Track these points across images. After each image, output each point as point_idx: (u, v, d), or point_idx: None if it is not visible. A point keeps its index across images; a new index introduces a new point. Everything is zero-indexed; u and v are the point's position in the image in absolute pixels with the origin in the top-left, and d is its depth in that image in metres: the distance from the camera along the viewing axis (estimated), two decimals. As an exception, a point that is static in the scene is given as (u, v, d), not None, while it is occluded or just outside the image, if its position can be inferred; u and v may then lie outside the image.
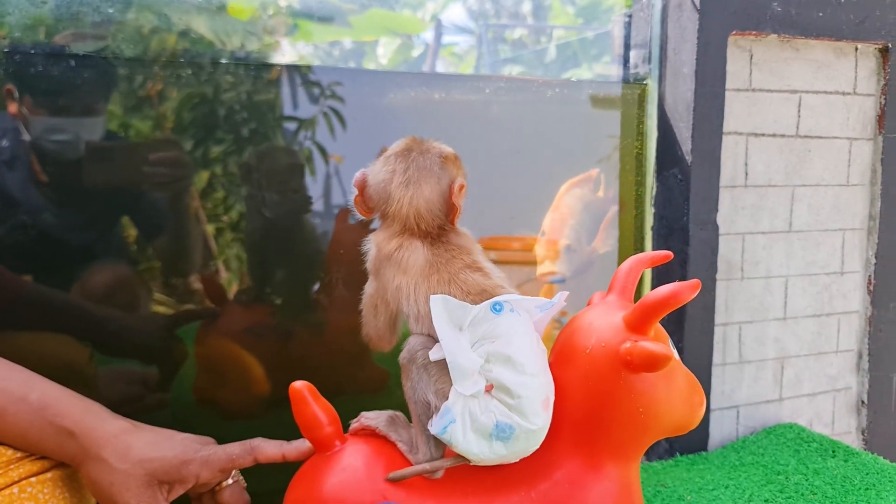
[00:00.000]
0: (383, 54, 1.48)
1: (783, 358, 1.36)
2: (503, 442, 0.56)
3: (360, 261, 1.15)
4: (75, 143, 0.89)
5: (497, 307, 0.58)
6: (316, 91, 1.07)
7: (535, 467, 0.62)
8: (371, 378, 1.20)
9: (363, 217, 0.71)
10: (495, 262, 1.29)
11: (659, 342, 0.59)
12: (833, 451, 1.19)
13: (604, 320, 0.61)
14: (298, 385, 0.62)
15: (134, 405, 0.99)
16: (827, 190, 1.35)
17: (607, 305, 0.63)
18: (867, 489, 1.03)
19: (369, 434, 0.64)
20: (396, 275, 0.63)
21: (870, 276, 1.42)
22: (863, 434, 1.49)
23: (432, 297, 0.59)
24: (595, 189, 1.24)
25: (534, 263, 1.26)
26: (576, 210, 1.22)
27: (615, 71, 1.32)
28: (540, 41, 1.97)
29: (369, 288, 0.68)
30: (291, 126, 1.07)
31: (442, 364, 0.57)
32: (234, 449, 0.63)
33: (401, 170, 0.66)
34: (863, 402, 1.47)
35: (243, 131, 1.04)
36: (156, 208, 1.00)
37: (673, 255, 0.66)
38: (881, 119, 1.37)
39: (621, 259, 1.28)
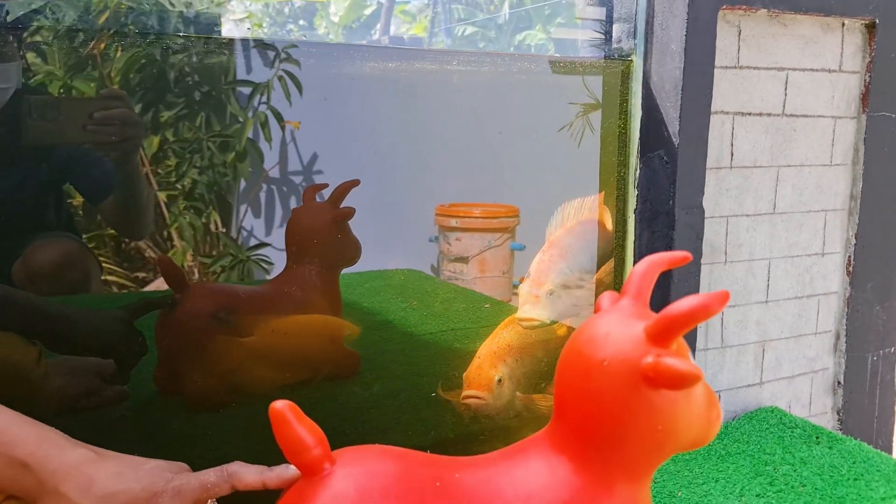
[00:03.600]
0: (335, 12, 1.41)
1: (764, 341, 1.34)
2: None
3: (331, 241, 1.10)
4: None
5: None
6: (271, 54, 1.01)
7: (541, 488, 0.57)
8: (343, 363, 1.15)
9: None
10: (456, 229, 1.25)
11: (683, 357, 0.54)
12: (816, 438, 1.17)
13: (622, 331, 0.56)
14: (279, 405, 0.55)
15: (92, 398, 0.92)
16: (811, 170, 1.32)
17: (623, 313, 0.58)
18: (856, 479, 1.02)
19: (361, 454, 0.58)
20: None
21: (849, 256, 1.40)
22: (838, 414, 1.48)
23: None
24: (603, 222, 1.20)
25: (494, 230, 1.22)
26: (571, 252, 1.16)
27: (579, 35, 1.26)
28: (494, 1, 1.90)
29: None
30: (245, 90, 1.01)
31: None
32: (210, 477, 0.57)
33: None
34: (839, 382, 1.46)
35: (195, 95, 0.98)
36: (102, 170, 0.93)
37: (692, 257, 0.61)
38: (865, 97, 1.34)
39: (600, 247, 1.24)
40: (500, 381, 1.11)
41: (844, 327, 1.43)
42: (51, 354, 0.89)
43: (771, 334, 1.35)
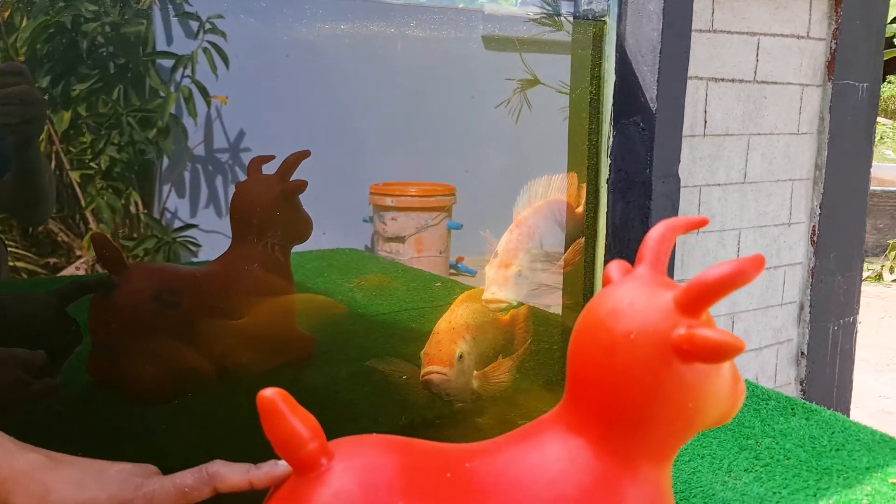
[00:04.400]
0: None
1: (734, 313, 1.32)
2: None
3: (280, 217, 1.03)
4: None
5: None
6: (194, 24, 0.94)
7: (561, 474, 0.52)
8: (296, 346, 1.08)
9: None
10: (391, 208, 1.20)
11: (716, 328, 0.49)
12: (792, 409, 1.16)
13: (648, 301, 0.51)
14: (269, 394, 0.48)
15: (18, 392, 0.82)
16: (779, 139, 1.30)
17: (643, 282, 0.53)
18: (838, 450, 1.00)
19: (359, 445, 0.52)
20: None
21: (814, 226, 1.40)
22: (801, 384, 1.48)
23: None
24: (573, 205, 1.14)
25: (431, 209, 1.17)
26: (539, 233, 1.11)
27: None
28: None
29: None
30: (167, 62, 0.93)
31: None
32: (187, 479, 0.49)
33: None
34: (802, 353, 1.46)
35: (110, 67, 0.90)
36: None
37: (709, 221, 0.56)
38: (830, 65, 1.33)
39: (568, 227, 1.20)
40: (460, 356, 1.06)
41: (808, 297, 1.43)
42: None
43: (740, 306, 1.33)
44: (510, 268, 1.08)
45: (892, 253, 4.34)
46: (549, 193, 1.16)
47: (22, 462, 0.46)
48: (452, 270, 1.20)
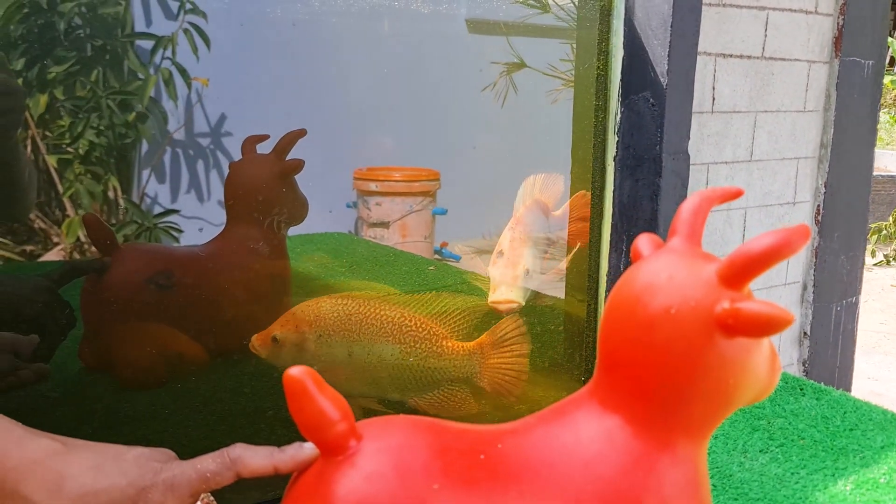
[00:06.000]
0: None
1: (752, 292, 1.31)
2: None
3: (277, 197, 1.01)
4: None
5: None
6: (174, 5, 0.91)
7: (598, 455, 0.50)
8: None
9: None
10: (376, 193, 1.18)
11: (761, 301, 0.47)
12: (801, 389, 1.14)
13: (688, 274, 0.49)
14: (297, 373, 0.46)
15: (6, 379, 0.79)
16: (786, 116, 1.29)
17: (680, 255, 0.51)
18: (851, 430, 0.99)
19: (389, 427, 0.50)
20: None
21: (818, 205, 1.39)
22: (804, 365, 1.48)
23: None
24: (557, 206, 1.12)
25: (416, 194, 1.15)
26: (533, 231, 1.08)
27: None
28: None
29: None
30: (147, 44, 0.91)
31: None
32: (208, 465, 0.46)
33: None
34: (805, 333, 1.45)
35: (88, 49, 0.88)
36: None
37: (743, 192, 0.54)
38: (838, 41, 1.31)
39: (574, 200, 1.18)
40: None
41: (812, 278, 1.42)
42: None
43: (746, 286, 1.32)
44: (518, 266, 1.06)
45: (874, 237, 4.36)
46: (536, 192, 1.14)
47: (33, 449, 0.44)
48: (437, 256, 1.18)
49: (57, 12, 0.84)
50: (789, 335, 1.44)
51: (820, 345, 1.46)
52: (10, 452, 0.43)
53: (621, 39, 1.11)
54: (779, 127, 1.28)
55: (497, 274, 1.05)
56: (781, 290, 1.39)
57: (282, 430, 0.91)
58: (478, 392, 0.98)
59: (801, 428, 0.99)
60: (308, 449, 0.48)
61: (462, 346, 0.98)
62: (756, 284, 1.32)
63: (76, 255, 0.98)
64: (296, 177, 1.01)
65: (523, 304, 1.04)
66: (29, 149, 0.85)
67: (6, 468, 0.43)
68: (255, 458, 0.48)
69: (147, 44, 0.91)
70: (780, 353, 1.44)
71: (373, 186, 1.16)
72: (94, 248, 0.89)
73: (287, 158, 0.95)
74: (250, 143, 0.98)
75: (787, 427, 1.00)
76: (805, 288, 1.43)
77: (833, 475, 0.87)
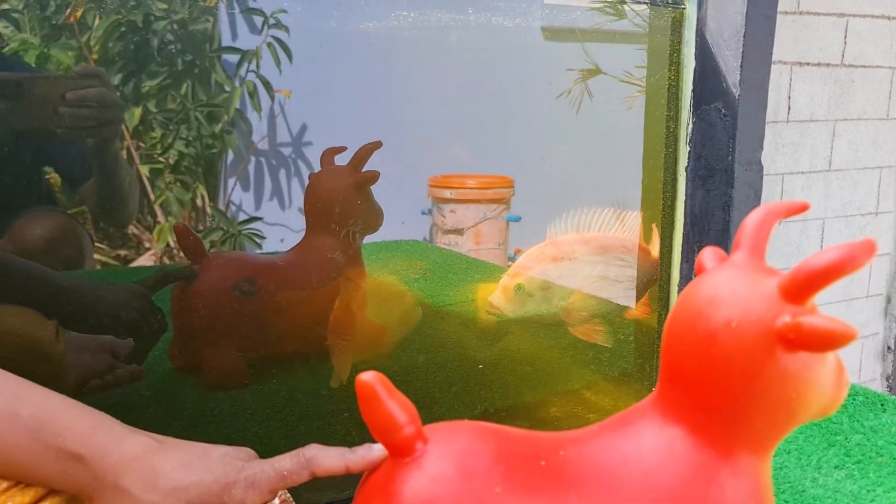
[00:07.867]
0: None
1: (816, 306, 1.28)
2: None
3: (354, 208, 1.04)
4: None
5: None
6: (258, 20, 0.95)
7: (658, 466, 0.51)
8: (367, 336, 1.09)
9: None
10: (450, 200, 1.19)
11: (824, 315, 0.48)
12: (882, 405, 1.11)
13: (750, 288, 0.50)
14: (368, 378, 0.49)
15: (103, 379, 0.85)
16: (867, 124, 1.25)
17: (743, 269, 0.52)
18: (934, 448, 0.96)
19: (454, 431, 0.52)
20: None
21: (903, 216, 1.34)
22: (888, 380, 1.43)
23: None
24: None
25: (490, 202, 1.16)
26: (574, 260, 1.07)
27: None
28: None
29: None
30: (232, 58, 0.95)
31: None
32: (286, 463, 0.50)
33: None
34: (889, 347, 1.41)
35: (178, 63, 0.92)
36: (79, 151, 0.85)
37: (810, 206, 0.54)
38: (923, 46, 1.27)
39: (645, 213, 1.17)
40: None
41: (896, 290, 1.37)
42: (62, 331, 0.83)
43: (823, 298, 1.29)
44: (515, 278, 1.05)
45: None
46: (606, 228, 1.12)
47: (131, 445, 0.48)
48: (510, 263, 1.19)
49: (151, 30, 0.89)
50: (872, 349, 1.40)
51: (905, 360, 1.41)
52: (112, 449, 0.47)
53: (693, 50, 1.11)
54: (860, 135, 1.24)
55: (502, 279, 1.05)
56: (863, 302, 1.35)
57: (356, 432, 0.94)
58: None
59: (881, 445, 0.97)
60: (377, 450, 0.51)
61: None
62: (836, 296, 1.29)
63: (166, 260, 1.04)
64: (372, 186, 1.04)
65: (509, 317, 1.03)
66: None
67: (108, 463, 0.47)
68: (328, 459, 0.50)
69: (233, 58, 0.96)
70: (863, 368, 1.40)
71: (447, 194, 1.18)
72: (182, 255, 0.94)
73: (363, 170, 0.99)
74: (328, 154, 1.01)
75: (865, 443, 0.97)
76: (889, 301, 1.38)
77: (912, 494, 0.85)
